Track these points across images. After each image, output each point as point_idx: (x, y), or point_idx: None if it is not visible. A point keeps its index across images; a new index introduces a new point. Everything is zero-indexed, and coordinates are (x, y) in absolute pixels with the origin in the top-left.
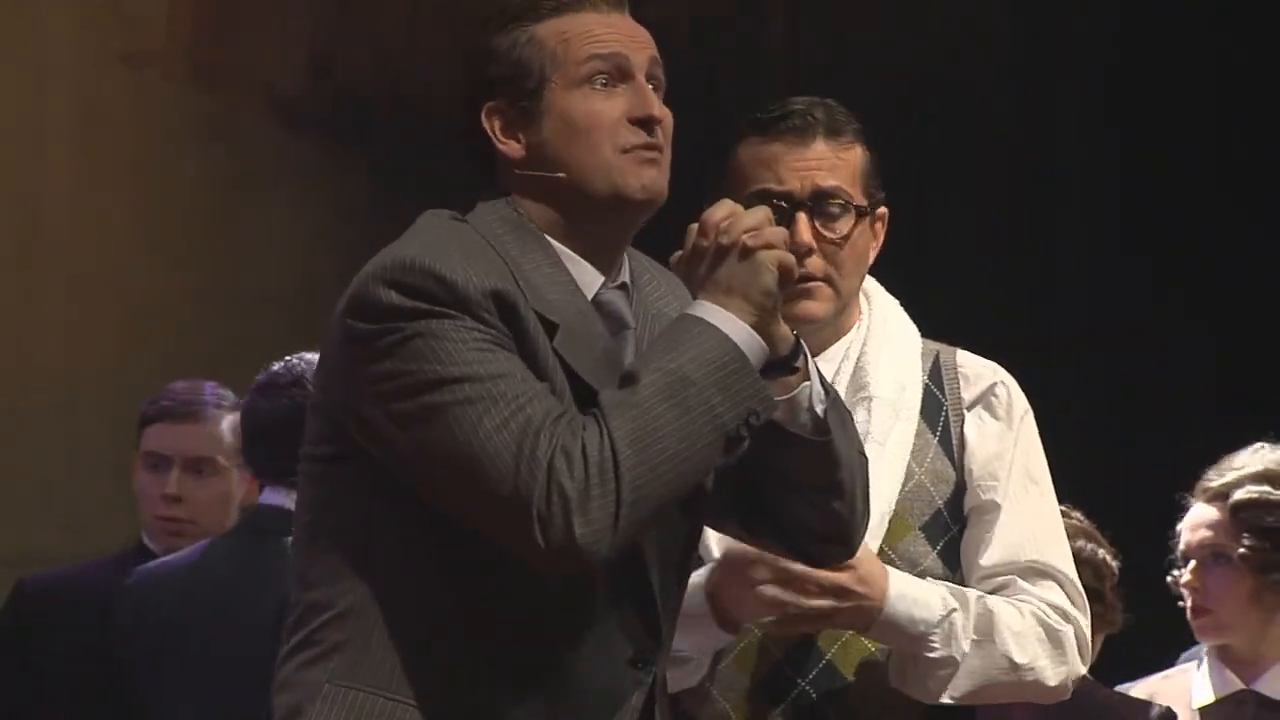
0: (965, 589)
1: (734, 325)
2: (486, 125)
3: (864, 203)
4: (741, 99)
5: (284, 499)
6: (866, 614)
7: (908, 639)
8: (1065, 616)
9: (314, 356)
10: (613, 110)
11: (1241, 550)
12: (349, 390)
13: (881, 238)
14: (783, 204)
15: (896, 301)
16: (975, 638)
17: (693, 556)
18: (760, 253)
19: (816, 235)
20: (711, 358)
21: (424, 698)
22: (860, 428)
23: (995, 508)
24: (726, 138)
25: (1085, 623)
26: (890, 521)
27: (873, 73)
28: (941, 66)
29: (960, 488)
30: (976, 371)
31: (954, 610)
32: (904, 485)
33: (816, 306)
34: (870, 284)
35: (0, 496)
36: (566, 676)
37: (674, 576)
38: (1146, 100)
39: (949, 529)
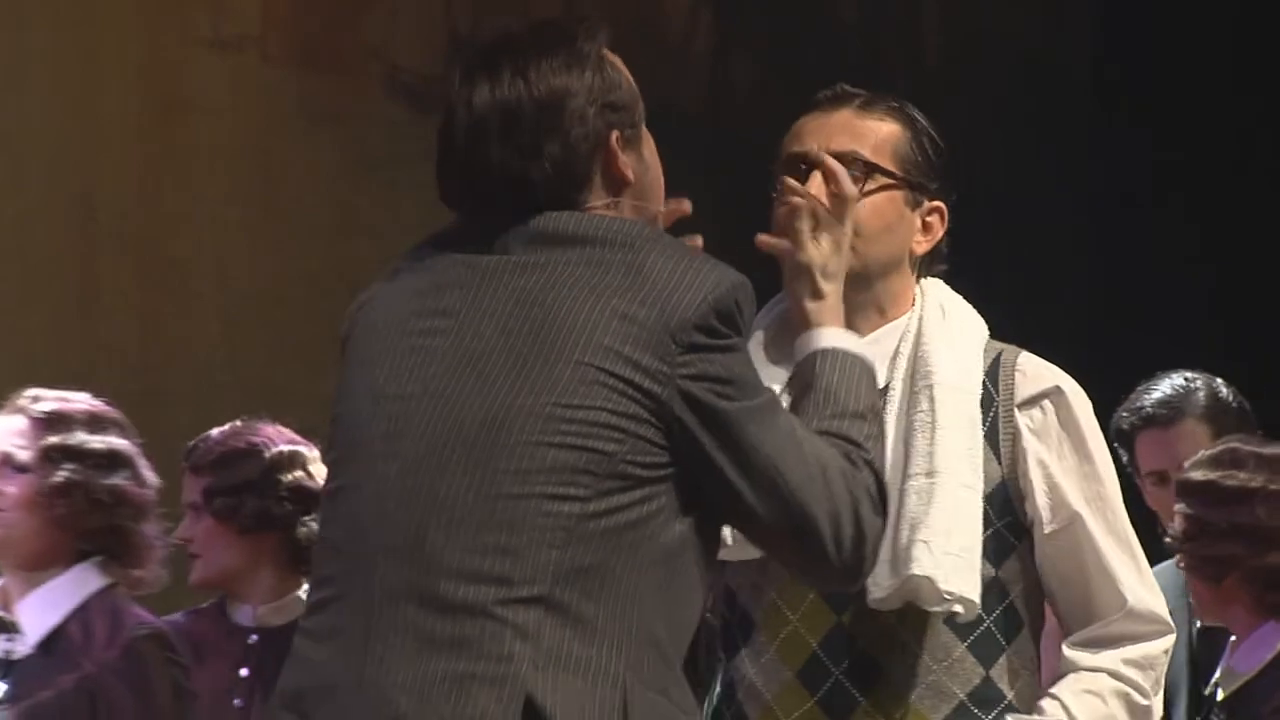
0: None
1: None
2: (616, 146)
3: (892, 170)
4: None
5: None
6: None
7: None
8: (1140, 668)
9: None
10: None
11: None
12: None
13: (935, 233)
14: (801, 165)
15: (962, 299)
16: None
17: None
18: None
19: (830, 195)
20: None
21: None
22: (922, 418)
23: (1061, 533)
24: None
25: (1158, 668)
26: None
27: None
28: None
29: (1004, 485)
30: (1036, 372)
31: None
32: None
33: None
34: (928, 280)
35: None
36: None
37: None
38: None
39: (991, 523)
